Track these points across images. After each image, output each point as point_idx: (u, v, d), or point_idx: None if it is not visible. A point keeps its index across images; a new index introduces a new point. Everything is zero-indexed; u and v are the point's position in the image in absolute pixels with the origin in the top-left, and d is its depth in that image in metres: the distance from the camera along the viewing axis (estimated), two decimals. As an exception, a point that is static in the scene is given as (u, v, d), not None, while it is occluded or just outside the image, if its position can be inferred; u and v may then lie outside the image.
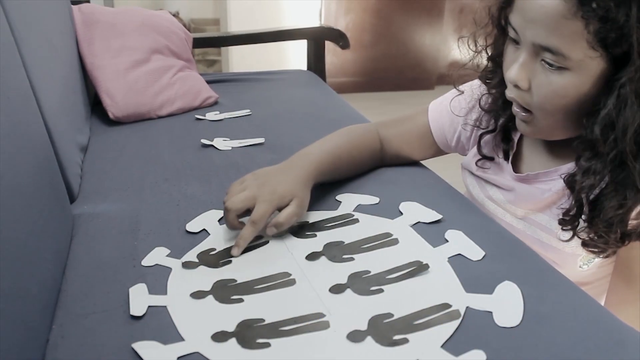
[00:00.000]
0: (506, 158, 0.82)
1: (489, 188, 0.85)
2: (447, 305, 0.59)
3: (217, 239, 0.74)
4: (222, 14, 3.27)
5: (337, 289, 0.63)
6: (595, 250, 0.70)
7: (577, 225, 0.70)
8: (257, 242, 0.73)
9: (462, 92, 0.87)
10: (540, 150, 0.79)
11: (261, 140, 1.14)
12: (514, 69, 0.68)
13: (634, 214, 0.67)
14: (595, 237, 0.69)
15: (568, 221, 0.71)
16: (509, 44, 0.71)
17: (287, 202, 0.73)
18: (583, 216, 0.70)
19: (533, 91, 0.68)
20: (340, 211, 0.81)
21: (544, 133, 0.73)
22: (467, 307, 0.59)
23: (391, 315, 0.58)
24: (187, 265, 0.69)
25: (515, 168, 0.82)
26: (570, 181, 0.70)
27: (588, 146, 0.67)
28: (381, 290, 0.62)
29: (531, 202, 0.79)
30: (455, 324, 0.57)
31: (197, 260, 0.70)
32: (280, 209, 0.73)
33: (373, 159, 0.93)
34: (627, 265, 0.73)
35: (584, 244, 0.71)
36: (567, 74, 0.64)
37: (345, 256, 0.69)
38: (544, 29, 0.63)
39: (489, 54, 0.78)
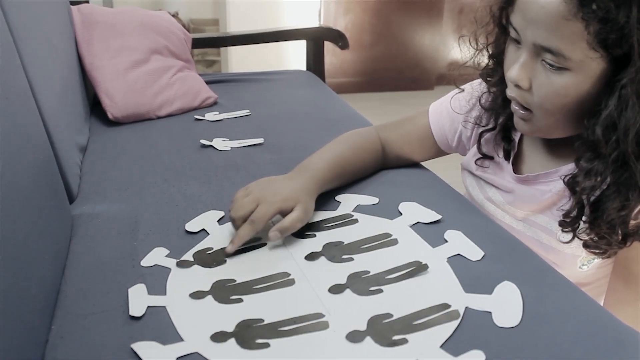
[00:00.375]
0: (507, 158, 0.82)
1: (489, 189, 0.85)
2: (446, 306, 0.59)
3: (216, 239, 0.74)
4: (221, 14, 3.27)
5: (336, 289, 0.63)
6: (597, 251, 0.70)
7: (578, 227, 0.70)
8: (256, 243, 0.73)
9: (463, 90, 0.87)
10: (540, 151, 0.79)
11: (260, 140, 1.14)
12: (515, 69, 0.68)
13: (634, 214, 0.67)
14: (597, 239, 0.69)
15: (569, 223, 0.71)
16: (510, 43, 0.71)
17: (290, 206, 0.73)
18: (583, 217, 0.70)
19: (534, 91, 0.68)
20: (339, 211, 0.81)
21: (543, 132, 0.73)
22: (466, 308, 0.59)
23: (390, 315, 0.58)
24: (181, 264, 0.69)
25: (515, 169, 0.82)
26: (571, 183, 0.70)
27: (589, 147, 0.67)
28: (380, 291, 0.62)
29: (531, 203, 0.79)
30: (454, 324, 0.57)
31: (192, 260, 0.70)
32: (283, 215, 0.73)
33: (375, 163, 0.93)
34: (626, 266, 0.73)
35: (586, 245, 0.71)
36: (568, 74, 0.64)
37: (344, 256, 0.69)
38: (544, 30, 0.63)
39: (490, 52, 0.78)
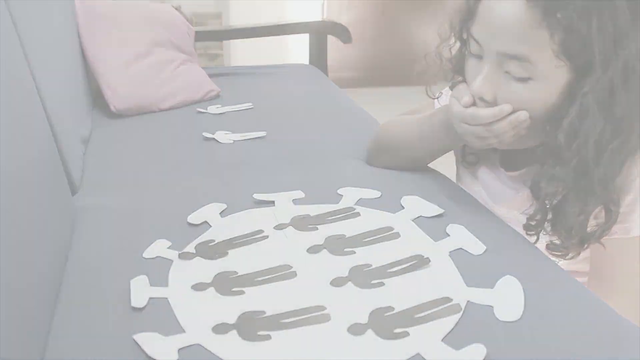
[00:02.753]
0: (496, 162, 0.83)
1: (475, 186, 0.86)
2: (447, 299, 0.59)
3: (218, 231, 0.74)
4: (224, 8, 3.27)
5: (338, 282, 0.63)
6: (558, 253, 0.71)
7: (541, 231, 0.71)
8: (257, 236, 0.73)
9: (438, 97, 0.88)
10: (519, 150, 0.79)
11: (262, 133, 1.14)
12: (478, 82, 0.68)
13: (592, 216, 0.68)
14: (557, 242, 0.70)
15: (533, 226, 0.72)
16: (469, 58, 0.71)
17: None
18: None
19: (499, 103, 0.68)
20: (341, 205, 0.80)
21: (512, 144, 0.73)
22: (467, 301, 0.59)
23: (392, 308, 0.58)
24: (183, 256, 0.69)
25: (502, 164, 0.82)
26: (534, 188, 0.70)
27: (552, 153, 0.68)
28: (382, 284, 0.62)
29: (507, 201, 0.80)
30: (455, 317, 0.57)
31: (194, 251, 0.70)
32: None
33: None
34: (598, 265, 0.74)
35: (548, 248, 0.71)
36: (532, 84, 0.65)
37: (346, 249, 0.69)
38: (510, 38, 0.63)
39: (453, 66, 0.79)
